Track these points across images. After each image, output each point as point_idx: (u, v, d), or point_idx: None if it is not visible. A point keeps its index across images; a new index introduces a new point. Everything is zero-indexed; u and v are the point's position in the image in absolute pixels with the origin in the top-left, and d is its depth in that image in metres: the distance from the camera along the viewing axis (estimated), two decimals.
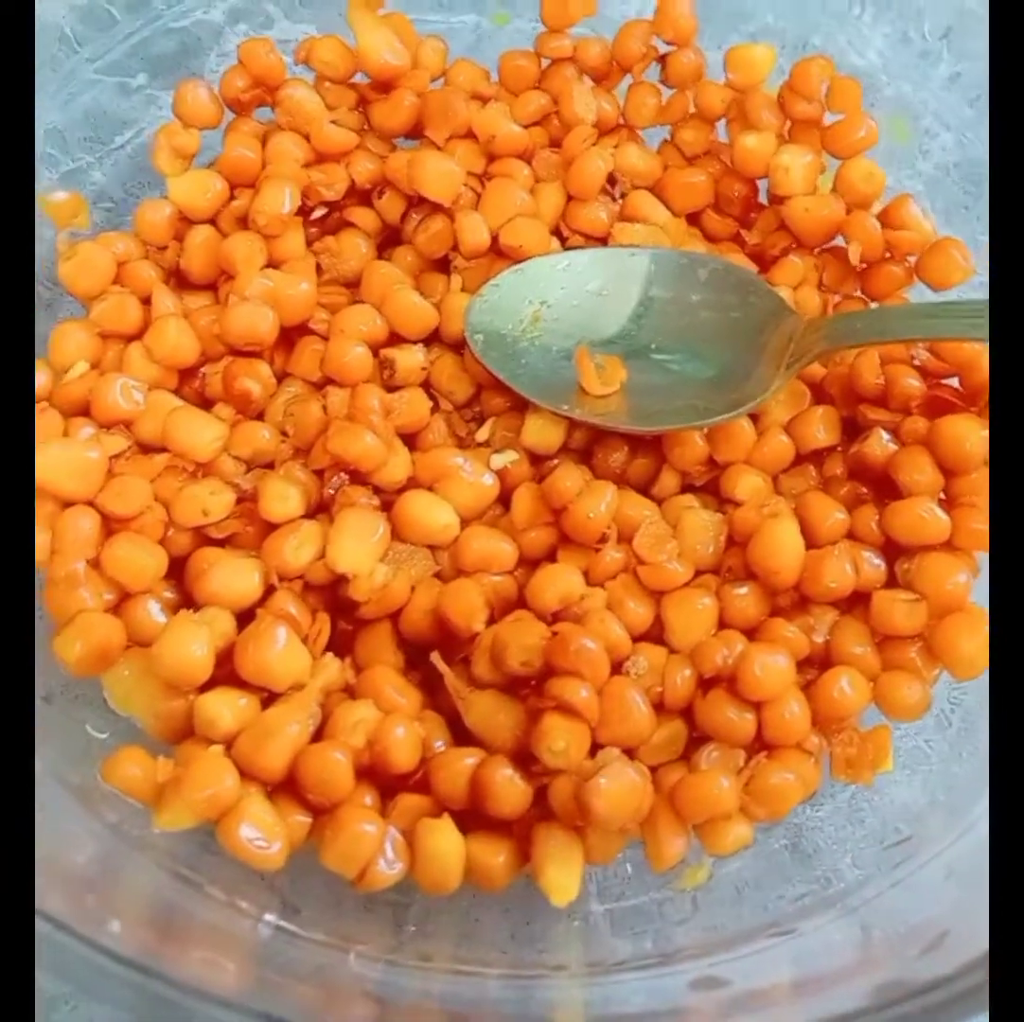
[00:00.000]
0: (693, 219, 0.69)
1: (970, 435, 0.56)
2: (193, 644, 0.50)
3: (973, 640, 0.52)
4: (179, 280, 0.64)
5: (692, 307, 0.61)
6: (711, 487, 0.60)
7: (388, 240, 0.68)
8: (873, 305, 0.65)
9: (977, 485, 0.56)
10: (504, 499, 0.59)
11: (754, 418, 0.60)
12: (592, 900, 0.53)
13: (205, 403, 0.60)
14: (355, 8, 0.68)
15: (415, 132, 0.69)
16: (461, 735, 0.52)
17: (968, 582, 0.54)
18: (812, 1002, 0.37)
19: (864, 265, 0.65)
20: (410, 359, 0.61)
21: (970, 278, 0.63)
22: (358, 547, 0.54)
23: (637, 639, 0.54)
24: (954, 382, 0.61)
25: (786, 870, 0.54)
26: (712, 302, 0.61)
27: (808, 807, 0.55)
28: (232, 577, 0.53)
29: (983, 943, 0.38)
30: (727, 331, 0.60)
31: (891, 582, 0.56)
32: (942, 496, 0.57)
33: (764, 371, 0.58)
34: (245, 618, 0.53)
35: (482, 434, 0.61)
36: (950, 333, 0.56)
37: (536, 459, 0.60)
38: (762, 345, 0.59)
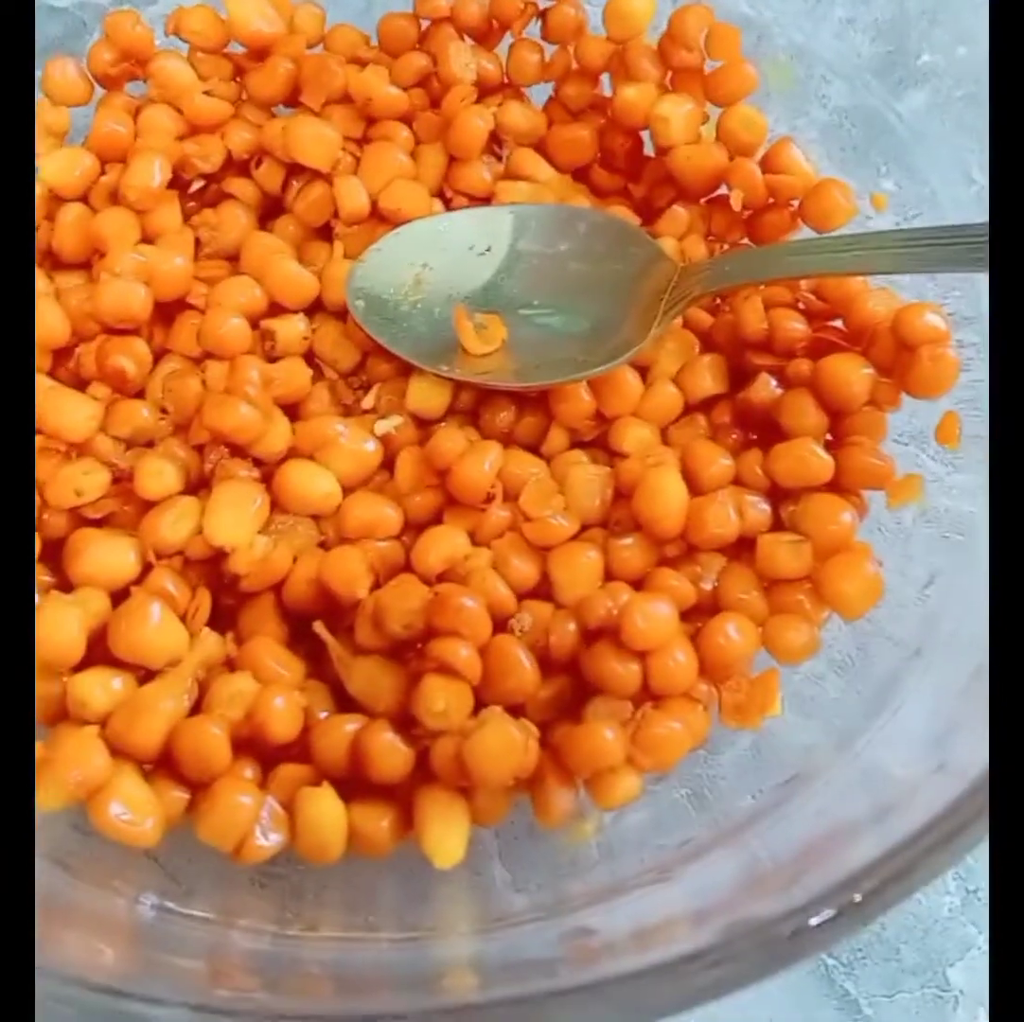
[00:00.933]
0: (581, 174, 0.69)
1: (852, 374, 0.56)
2: (64, 625, 0.49)
3: (857, 579, 0.52)
4: (53, 260, 0.63)
5: (565, 260, 0.60)
6: (601, 442, 0.59)
7: (269, 210, 0.67)
8: None
9: (861, 424, 0.56)
10: (391, 464, 0.58)
11: (642, 370, 0.60)
12: (494, 860, 0.53)
13: (80, 384, 0.59)
14: None
15: (293, 100, 0.68)
16: (346, 704, 0.52)
17: (852, 521, 0.53)
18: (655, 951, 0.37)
19: (749, 211, 0.65)
20: (290, 329, 0.60)
21: (852, 217, 0.62)
22: (236, 519, 0.53)
23: (525, 596, 0.54)
24: (839, 323, 0.60)
25: (687, 818, 0.54)
26: (587, 254, 0.60)
27: (708, 755, 0.55)
28: (106, 556, 0.52)
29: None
30: (602, 283, 0.59)
31: (778, 526, 0.55)
32: (829, 437, 0.57)
33: (641, 320, 0.57)
34: (125, 597, 0.52)
35: (368, 401, 0.60)
36: (818, 268, 0.55)
37: (423, 423, 0.59)
38: (639, 294, 0.58)
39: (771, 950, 0.34)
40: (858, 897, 0.37)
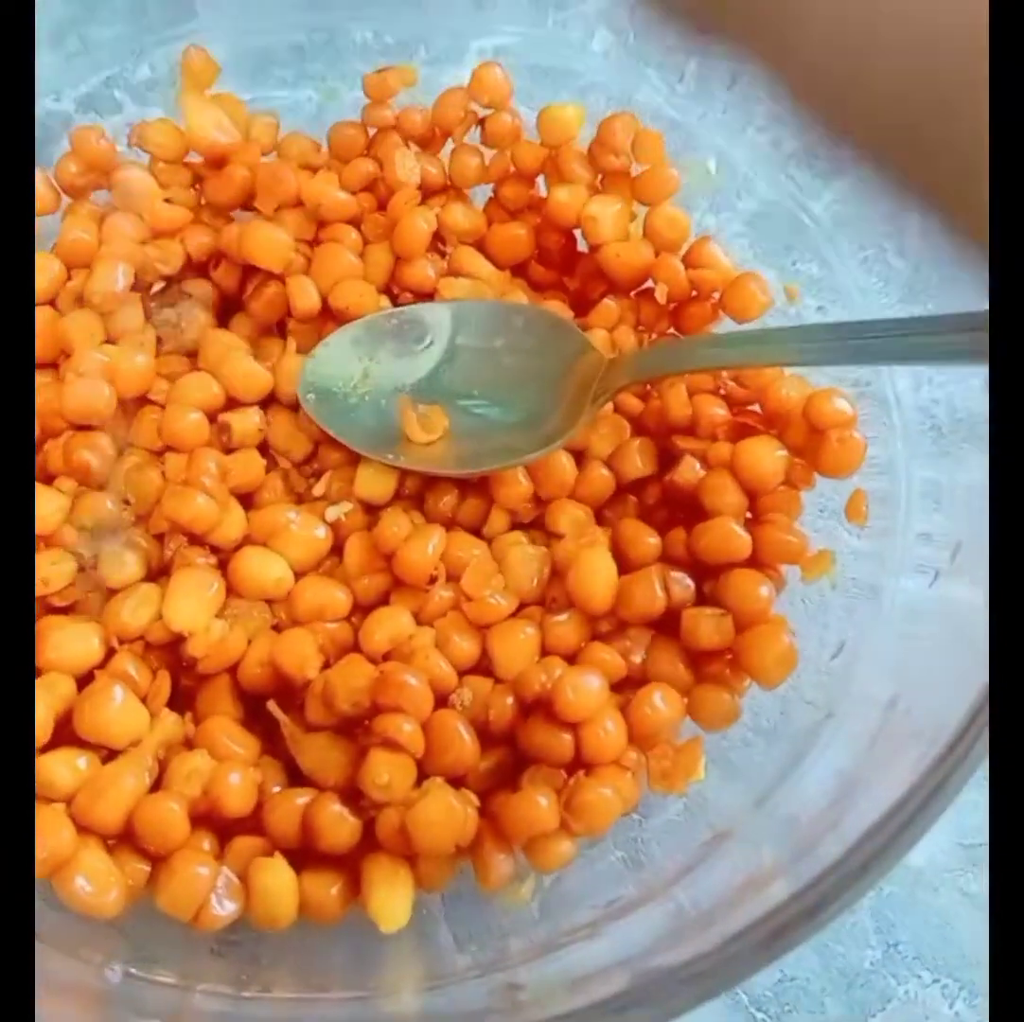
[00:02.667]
0: (519, 270, 0.73)
1: (767, 457, 0.60)
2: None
3: (773, 651, 0.56)
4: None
5: (502, 353, 0.65)
6: (539, 522, 0.63)
7: (227, 308, 0.71)
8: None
9: (777, 503, 0.60)
10: (341, 548, 0.62)
11: (578, 453, 0.64)
12: (439, 922, 0.56)
13: (48, 478, 0.62)
14: (185, 91, 0.72)
15: (250, 204, 0.72)
16: (298, 778, 0.55)
17: (769, 596, 0.57)
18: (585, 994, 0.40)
19: (674, 304, 0.69)
20: (246, 422, 0.64)
21: (768, 309, 0.67)
22: (193, 605, 0.56)
23: (466, 672, 0.58)
24: (757, 407, 0.65)
25: (621, 878, 0.57)
26: (522, 347, 0.64)
27: (641, 819, 0.58)
28: (71, 642, 0.55)
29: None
30: (536, 374, 0.64)
31: (702, 600, 0.59)
32: (749, 515, 0.61)
33: (572, 409, 0.62)
34: (89, 680, 0.55)
35: (319, 489, 0.64)
36: (730, 361, 0.60)
37: (371, 508, 0.63)
38: (569, 385, 0.62)
39: (682, 990, 0.38)
40: (765, 934, 0.40)
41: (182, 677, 0.58)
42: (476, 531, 0.63)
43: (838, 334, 0.56)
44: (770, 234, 0.77)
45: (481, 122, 0.74)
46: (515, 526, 0.63)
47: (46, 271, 0.67)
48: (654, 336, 0.70)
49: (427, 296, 0.70)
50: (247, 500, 0.62)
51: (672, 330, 0.70)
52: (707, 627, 0.57)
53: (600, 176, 0.72)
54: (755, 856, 0.53)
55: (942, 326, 0.49)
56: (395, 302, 0.70)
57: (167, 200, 0.70)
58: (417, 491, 0.64)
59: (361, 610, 0.60)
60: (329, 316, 0.68)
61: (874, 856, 0.44)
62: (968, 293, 0.60)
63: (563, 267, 0.73)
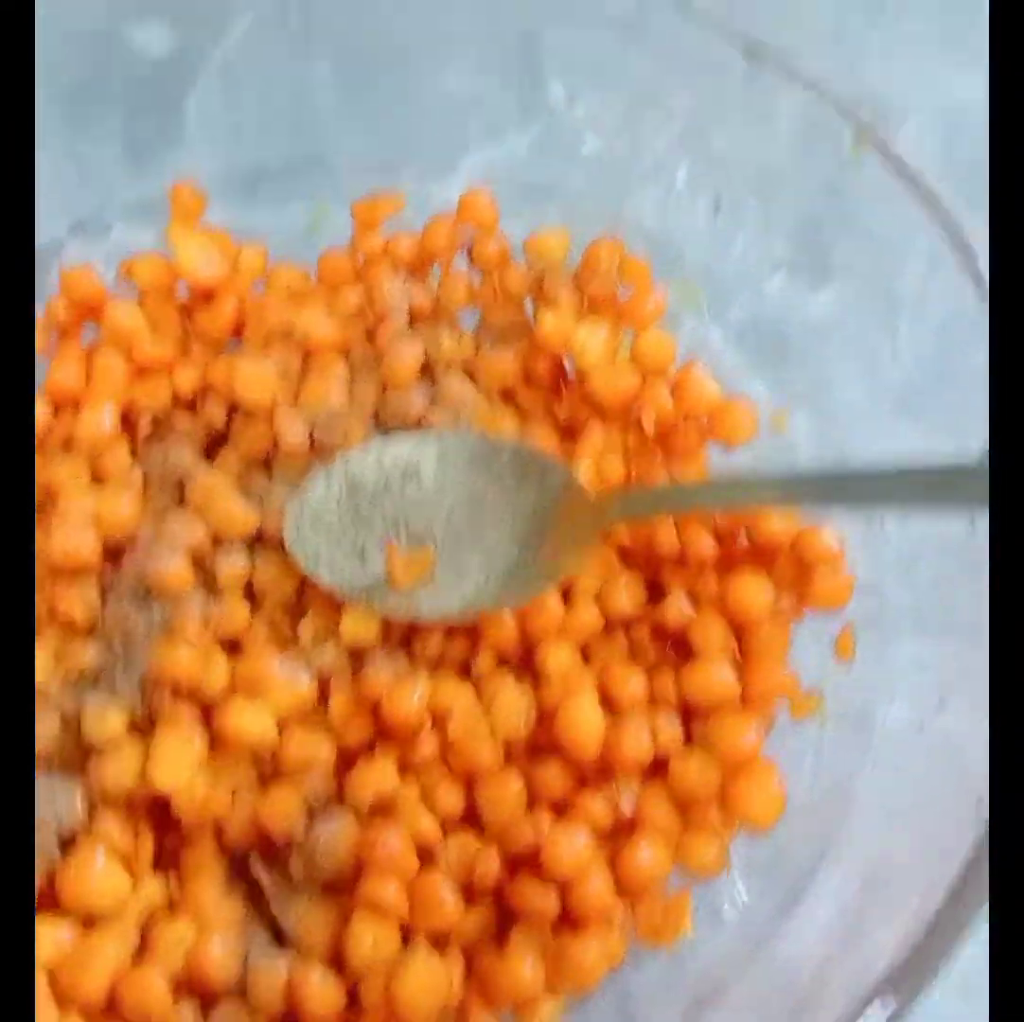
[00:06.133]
0: (507, 395, 0.73)
1: (754, 593, 0.60)
2: None
3: (762, 795, 0.55)
4: None
5: (487, 491, 0.64)
6: (528, 661, 0.63)
7: (216, 442, 0.71)
8: (672, 470, 0.69)
9: (765, 640, 0.60)
10: (326, 691, 0.61)
11: (566, 589, 0.64)
12: None
13: None
14: (174, 224, 0.73)
15: (240, 333, 0.73)
16: (284, 938, 0.54)
17: (757, 739, 0.57)
18: None
19: (662, 430, 0.69)
20: (231, 564, 0.64)
21: (756, 435, 0.67)
22: (176, 763, 0.56)
23: (453, 821, 0.57)
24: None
25: None
26: (508, 485, 0.64)
27: (632, 971, 0.57)
28: (55, 805, 0.55)
29: None
30: (523, 514, 0.63)
31: (691, 740, 0.59)
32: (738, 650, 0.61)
33: (558, 552, 0.61)
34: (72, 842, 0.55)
35: (304, 630, 0.63)
36: (722, 504, 0.60)
37: (356, 652, 0.63)
38: (555, 525, 0.62)
39: None
40: None
41: (166, 834, 0.57)
42: (464, 669, 0.63)
43: (825, 479, 0.55)
44: (760, 345, 0.77)
45: (469, 248, 0.75)
46: (503, 662, 0.63)
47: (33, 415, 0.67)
48: (644, 464, 0.69)
49: (415, 424, 0.70)
50: (232, 646, 0.62)
51: (662, 456, 0.70)
52: (696, 774, 0.56)
53: (586, 300, 0.72)
54: (757, 1010, 0.51)
55: (936, 474, 0.48)
56: (384, 431, 0.70)
57: (156, 335, 0.71)
58: (403, 633, 0.63)
59: (345, 758, 0.59)
60: (316, 449, 0.68)
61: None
62: (963, 405, 0.60)
63: (551, 392, 0.73)
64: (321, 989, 0.51)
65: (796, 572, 0.61)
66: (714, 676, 0.58)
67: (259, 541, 0.66)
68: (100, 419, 0.66)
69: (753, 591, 0.60)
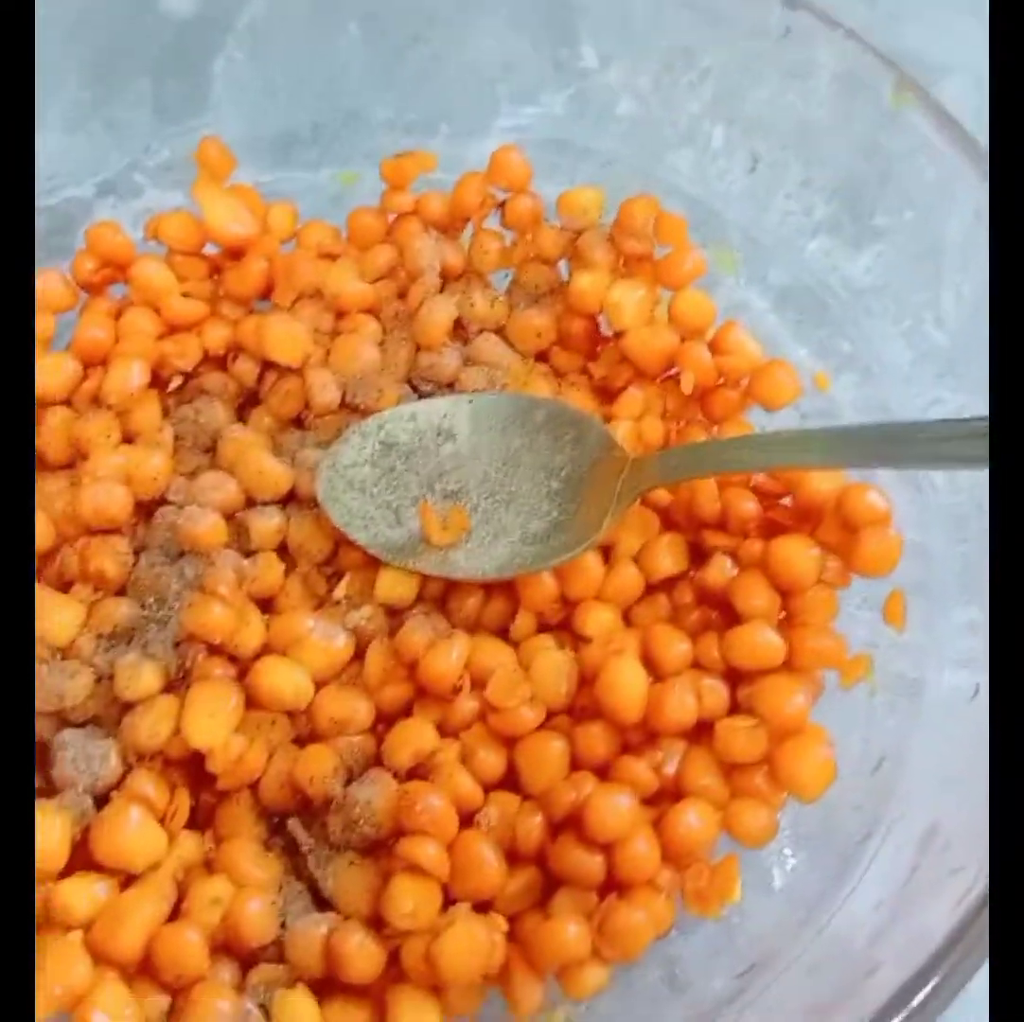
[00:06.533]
0: (542, 356, 0.72)
1: (800, 556, 0.58)
2: (48, 833, 0.51)
3: (811, 763, 0.54)
4: (39, 463, 0.66)
5: (524, 449, 0.63)
6: (567, 624, 0.61)
7: (247, 401, 0.70)
8: (713, 431, 0.68)
9: (811, 604, 0.58)
10: (362, 653, 0.60)
11: (605, 550, 0.62)
12: None
13: (64, 585, 0.61)
14: (201, 182, 0.71)
15: (269, 293, 0.71)
16: (323, 899, 0.53)
17: (805, 704, 0.55)
18: None
19: (701, 391, 0.68)
20: (265, 523, 0.62)
21: (799, 397, 0.65)
22: (212, 720, 0.55)
23: (492, 786, 0.56)
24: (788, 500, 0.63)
25: (660, 1001, 0.55)
26: (544, 443, 0.63)
27: (680, 936, 0.56)
28: (90, 761, 0.54)
29: None
30: (559, 472, 0.62)
31: (736, 706, 0.57)
32: (784, 615, 0.60)
33: (596, 509, 0.60)
34: (107, 798, 0.54)
35: (339, 592, 0.62)
36: (761, 464, 0.58)
37: (393, 612, 0.61)
38: (593, 484, 0.61)
39: None
40: None
41: (201, 793, 0.56)
42: (502, 633, 0.61)
43: (870, 437, 0.54)
44: (801, 308, 0.76)
45: (501, 205, 0.73)
46: (542, 628, 0.62)
47: (62, 370, 0.66)
48: (682, 425, 0.68)
49: (448, 386, 0.69)
50: (266, 604, 0.61)
51: (700, 417, 0.68)
52: (742, 739, 0.55)
53: (622, 259, 0.71)
54: (808, 985, 0.50)
55: (977, 429, 0.47)
56: (417, 391, 0.69)
57: (185, 294, 0.69)
58: (440, 593, 0.62)
59: (383, 719, 0.58)
60: (349, 409, 0.67)
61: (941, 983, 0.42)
62: None
63: (586, 353, 0.71)
64: (361, 951, 0.50)
65: (842, 534, 0.59)
66: (759, 639, 0.56)
67: (292, 500, 0.65)
68: (129, 376, 0.65)
69: (798, 554, 0.58)
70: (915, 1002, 0.44)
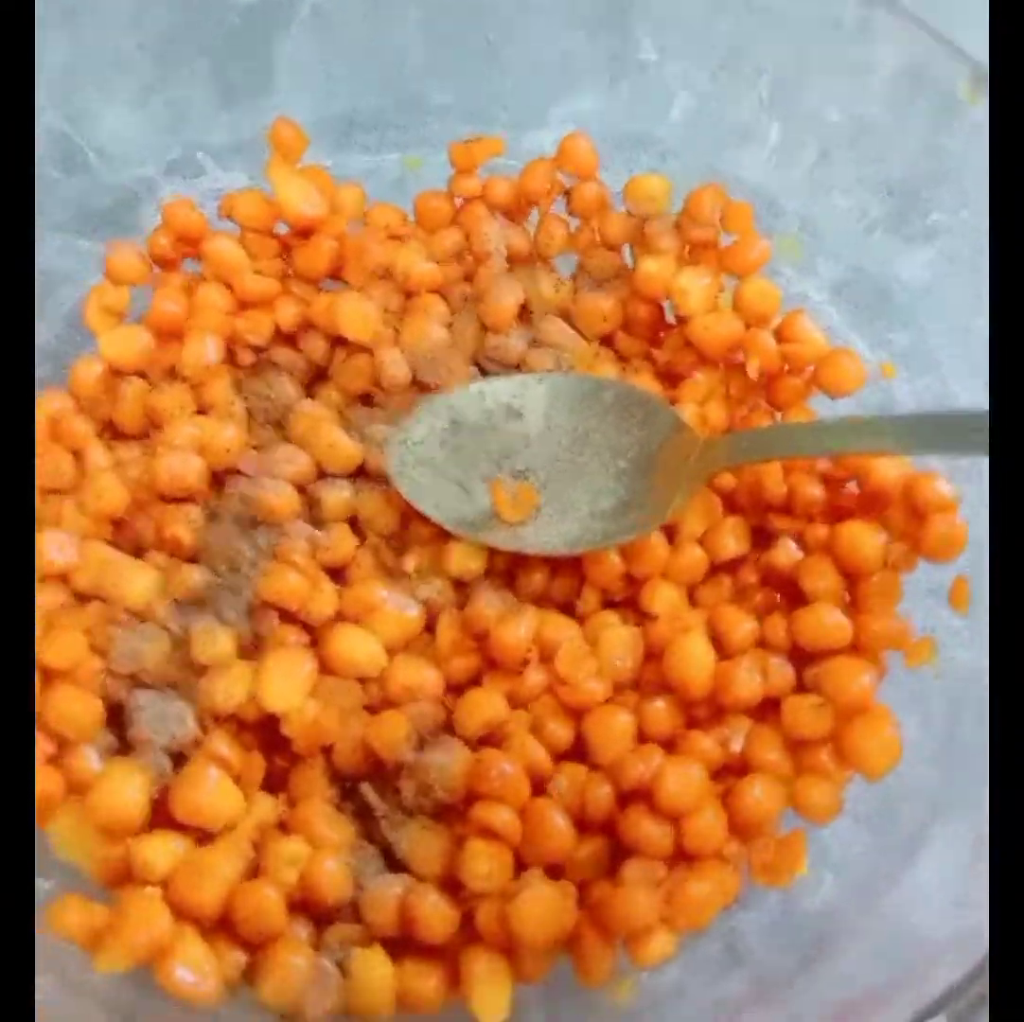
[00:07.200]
0: (606, 340, 0.73)
1: (867, 542, 0.59)
2: (128, 790, 0.52)
3: (877, 741, 0.54)
4: (114, 432, 0.67)
5: (592, 429, 0.64)
6: (632, 601, 0.62)
7: (316, 377, 0.71)
8: (777, 418, 0.68)
9: (877, 588, 0.59)
10: (432, 625, 0.61)
11: (670, 531, 0.63)
12: (531, 1010, 0.55)
13: (139, 551, 0.62)
14: (274, 162, 0.72)
15: (338, 273, 0.72)
16: (395, 862, 0.54)
17: (872, 684, 0.56)
18: None
19: (765, 378, 0.68)
20: (336, 495, 0.63)
21: (863, 386, 0.66)
22: (287, 685, 0.56)
23: (561, 756, 0.57)
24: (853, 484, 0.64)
25: (722, 971, 0.56)
26: (613, 424, 0.64)
27: (741, 910, 0.57)
28: (166, 722, 0.55)
29: None
30: (628, 452, 0.63)
31: (802, 686, 0.58)
32: (849, 598, 0.60)
33: (665, 490, 0.61)
34: (182, 759, 0.55)
35: (409, 564, 0.63)
36: (830, 448, 0.59)
37: (461, 585, 0.62)
38: (662, 465, 0.62)
39: None
40: None
41: (275, 756, 0.57)
42: (568, 608, 0.62)
43: (939, 425, 0.55)
44: (858, 301, 0.76)
45: (567, 192, 0.74)
46: (607, 604, 0.62)
47: (137, 342, 0.67)
48: (746, 411, 0.69)
49: (514, 367, 0.70)
50: (337, 575, 0.62)
51: (764, 403, 0.69)
52: (808, 716, 0.55)
53: (687, 247, 0.71)
54: (868, 968, 0.51)
55: None
56: (483, 372, 0.70)
57: (257, 272, 0.70)
58: (507, 567, 0.63)
59: (453, 690, 0.59)
60: (417, 387, 0.68)
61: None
62: None
63: (650, 338, 0.72)
64: (435, 912, 0.51)
65: (908, 520, 0.60)
66: (826, 620, 0.57)
67: (361, 474, 0.66)
68: (203, 350, 0.66)
69: (864, 538, 0.59)
70: (974, 991, 0.45)
